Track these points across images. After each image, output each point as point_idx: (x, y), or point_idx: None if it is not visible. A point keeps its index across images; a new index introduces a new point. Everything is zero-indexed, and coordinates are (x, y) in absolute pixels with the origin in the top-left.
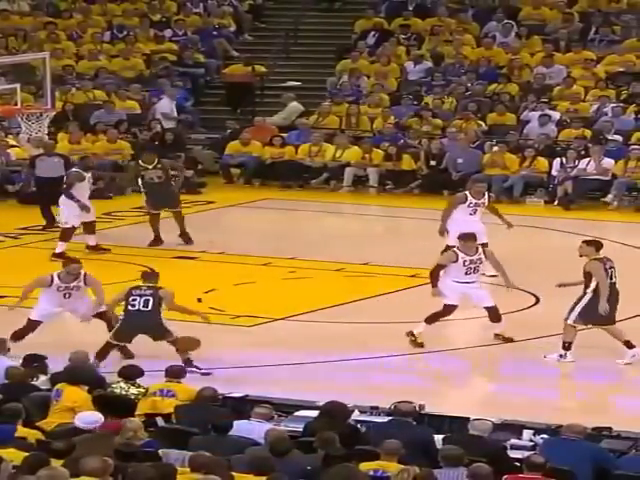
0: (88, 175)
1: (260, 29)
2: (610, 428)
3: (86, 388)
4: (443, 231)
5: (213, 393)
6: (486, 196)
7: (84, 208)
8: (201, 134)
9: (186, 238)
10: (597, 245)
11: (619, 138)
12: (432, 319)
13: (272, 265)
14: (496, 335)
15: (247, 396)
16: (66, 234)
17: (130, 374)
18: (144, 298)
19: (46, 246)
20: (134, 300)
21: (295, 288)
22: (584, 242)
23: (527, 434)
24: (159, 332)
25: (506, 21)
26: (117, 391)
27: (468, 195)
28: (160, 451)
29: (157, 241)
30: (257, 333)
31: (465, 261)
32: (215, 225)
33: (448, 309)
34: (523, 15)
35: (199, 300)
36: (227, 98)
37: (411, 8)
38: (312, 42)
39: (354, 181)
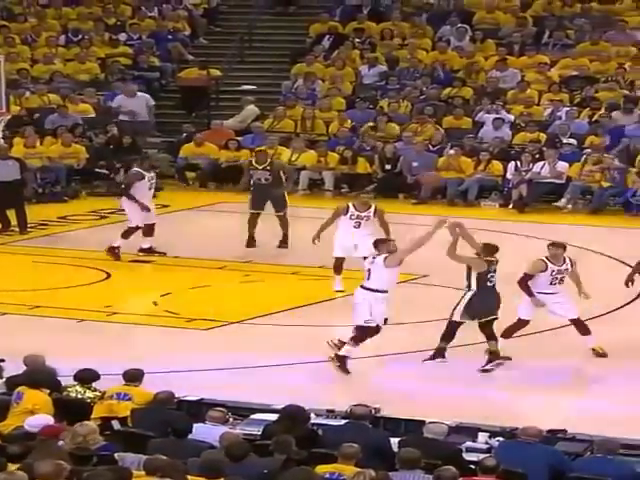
0: (149, 175)
1: (215, 33)
2: (565, 431)
3: (47, 391)
4: (315, 238)
5: (169, 396)
6: (372, 209)
7: (144, 209)
8: (156, 137)
9: (284, 244)
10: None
11: (573, 142)
12: (508, 333)
13: (227, 269)
14: (593, 350)
15: (202, 399)
16: (128, 233)
17: (86, 377)
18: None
19: (1, 250)
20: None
21: (250, 292)
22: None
23: (482, 437)
24: None
25: (460, 25)
26: (73, 394)
27: (350, 206)
28: (116, 455)
29: (251, 242)
30: (212, 336)
31: (553, 271)
32: (170, 229)
33: (523, 323)
34: (477, 19)
35: (155, 303)
36: (182, 102)
37: (365, 12)
38: (267, 46)
39: (310, 184)
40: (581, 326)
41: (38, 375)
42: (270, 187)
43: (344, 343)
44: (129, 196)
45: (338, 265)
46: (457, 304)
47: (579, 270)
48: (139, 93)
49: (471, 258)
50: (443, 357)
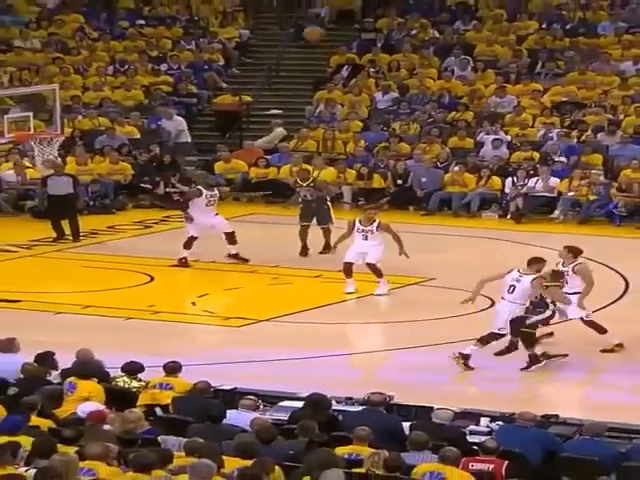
0: (209, 192)
1: (246, 63)
2: (557, 415)
3: (96, 380)
4: (333, 248)
5: (206, 386)
6: (375, 224)
7: (188, 219)
8: (194, 156)
9: (327, 251)
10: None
11: (564, 160)
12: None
13: (257, 272)
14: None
15: (236, 388)
16: (188, 243)
17: (132, 369)
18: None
19: (56, 256)
20: None
21: (278, 293)
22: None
23: (484, 421)
24: None
25: (463, 57)
26: (120, 384)
27: (357, 222)
28: (159, 438)
29: (304, 250)
30: (245, 333)
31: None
32: (207, 237)
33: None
34: (478, 51)
35: (193, 303)
36: (217, 124)
37: (379, 45)
38: (292, 75)
39: (330, 198)
40: (594, 326)
41: (87, 367)
42: (314, 202)
43: (464, 355)
44: (178, 207)
45: (347, 269)
46: (535, 318)
47: None
48: (176, 117)
49: (556, 292)
50: (539, 362)
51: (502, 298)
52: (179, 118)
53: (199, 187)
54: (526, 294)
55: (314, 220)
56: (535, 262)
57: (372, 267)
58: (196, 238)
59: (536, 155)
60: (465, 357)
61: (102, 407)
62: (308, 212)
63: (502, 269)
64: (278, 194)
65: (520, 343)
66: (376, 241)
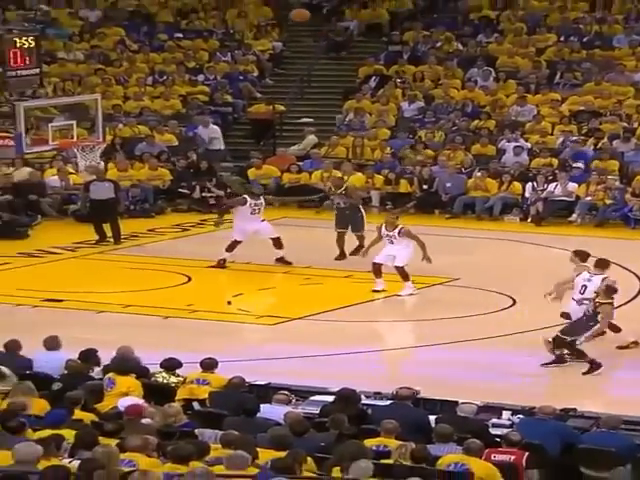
0: (254, 201)
1: (279, 74)
2: (575, 409)
3: (134, 376)
4: (364, 252)
5: (241, 381)
6: (397, 230)
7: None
8: (230, 163)
9: (357, 252)
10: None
11: (581, 165)
12: None
13: (290, 273)
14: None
15: (270, 384)
16: (231, 246)
17: (170, 365)
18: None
19: (98, 257)
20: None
21: (310, 292)
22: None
23: (506, 414)
24: None
25: (485, 68)
26: (159, 380)
27: (382, 228)
28: (196, 430)
29: (341, 256)
30: (278, 330)
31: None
32: (247, 241)
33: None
34: (500, 63)
35: (229, 302)
36: (251, 132)
37: (406, 57)
38: (323, 85)
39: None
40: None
41: (125, 363)
42: (347, 210)
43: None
44: (218, 210)
45: (375, 269)
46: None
47: None
48: (212, 125)
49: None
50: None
51: (573, 299)
52: (214, 126)
53: (245, 196)
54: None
55: (349, 227)
56: (602, 263)
57: (399, 270)
58: (239, 242)
59: (555, 161)
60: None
61: (140, 401)
62: (342, 219)
63: (523, 269)
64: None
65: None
66: (402, 244)
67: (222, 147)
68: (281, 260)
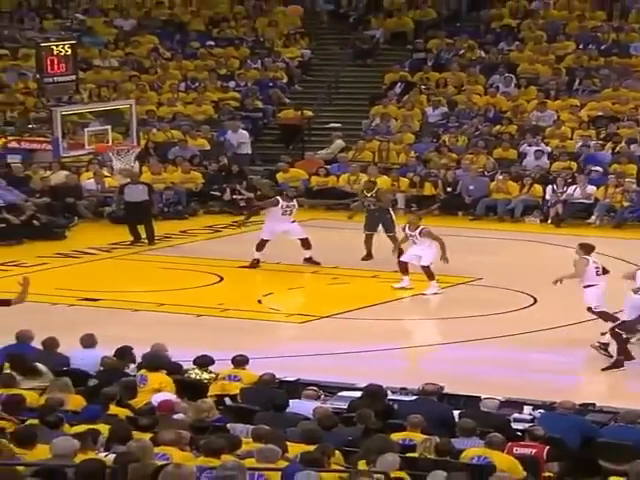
0: (285, 203)
1: (307, 81)
2: (594, 404)
3: (165, 372)
4: (394, 251)
5: (272, 377)
6: (418, 230)
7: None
8: (260, 166)
9: (397, 253)
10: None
11: (599, 169)
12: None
13: (319, 273)
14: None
15: (299, 380)
16: (260, 245)
17: (203, 362)
18: None
19: (133, 258)
20: None
21: (337, 292)
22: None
23: (527, 409)
24: None
25: (507, 74)
26: (192, 376)
27: (406, 229)
28: (228, 425)
29: (368, 256)
30: (306, 328)
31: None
32: (272, 240)
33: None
34: (521, 70)
35: (259, 301)
36: (281, 137)
37: (430, 64)
38: (350, 91)
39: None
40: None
41: (155, 360)
42: (376, 212)
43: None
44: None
45: (401, 267)
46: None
47: None
48: (241, 130)
49: None
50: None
51: (634, 292)
52: (243, 131)
53: (277, 197)
54: None
55: (379, 228)
56: None
57: (425, 269)
58: (267, 241)
59: (574, 165)
60: (605, 345)
61: (172, 397)
62: (372, 221)
63: (543, 269)
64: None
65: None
66: (425, 244)
67: (249, 151)
68: (309, 260)
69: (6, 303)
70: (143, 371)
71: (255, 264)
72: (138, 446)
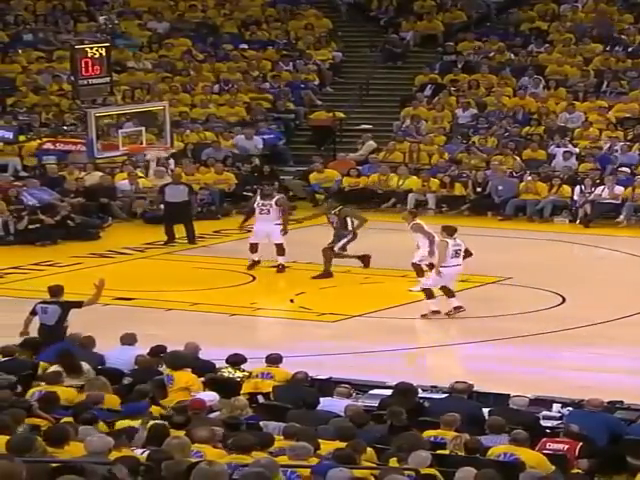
0: (261, 201)
1: (339, 82)
2: (622, 402)
3: (189, 370)
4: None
5: (304, 375)
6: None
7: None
8: (292, 167)
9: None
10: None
11: (627, 170)
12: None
13: (351, 273)
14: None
15: (331, 378)
16: (251, 248)
17: (236, 361)
18: None
19: (167, 258)
20: None
21: (369, 291)
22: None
23: (556, 407)
24: None
25: (536, 76)
26: (225, 374)
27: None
28: (261, 423)
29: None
30: (338, 327)
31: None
32: (304, 240)
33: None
34: (549, 72)
35: (292, 301)
36: (313, 138)
37: (460, 66)
38: (381, 93)
39: (416, 205)
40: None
41: (177, 359)
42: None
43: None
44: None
45: (415, 269)
46: None
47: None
48: (255, 137)
49: None
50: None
51: None
52: (257, 138)
53: (256, 197)
54: None
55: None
56: None
57: (414, 266)
58: (254, 244)
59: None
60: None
61: (212, 396)
62: None
63: (572, 268)
64: (369, 201)
65: None
66: (420, 241)
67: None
68: (280, 268)
69: (78, 305)
70: (168, 371)
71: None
72: (177, 443)
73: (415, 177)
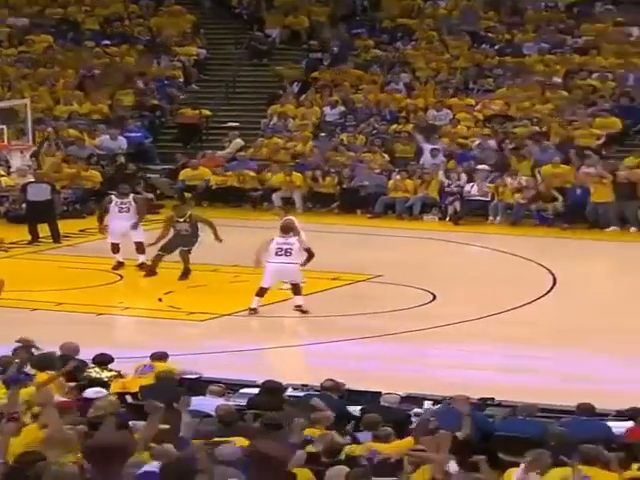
0: (119, 200)
1: (204, 80)
2: (493, 398)
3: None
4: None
5: (171, 374)
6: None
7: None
8: (158, 165)
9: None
10: None
11: (487, 167)
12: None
13: (219, 271)
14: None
15: (200, 377)
16: (112, 248)
17: (102, 361)
18: None
19: (32, 257)
20: None
21: (239, 290)
22: None
23: (427, 404)
24: None
25: (403, 73)
26: (92, 375)
27: None
28: (130, 423)
29: (152, 273)
30: (207, 326)
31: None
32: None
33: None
34: (417, 69)
35: (160, 300)
36: (179, 136)
37: (326, 63)
38: (247, 90)
39: (284, 203)
40: (297, 289)
41: (41, 360)
42: (187, 237)
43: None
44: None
45: None
46: None
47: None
48: (120, 137)
49: None
50: None
51: None
52: (122, 139)
53: (111, 195)
54: None
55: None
56: None
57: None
58: (115, 244)
59: (471, 163)
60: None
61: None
62: (174, 244)
63: (443, 266)
64: (236, 199)
65: None
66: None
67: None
68: (142, 266)
69: None
70: (34, 370)
71: (117, 267)
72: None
73: (282, 174)
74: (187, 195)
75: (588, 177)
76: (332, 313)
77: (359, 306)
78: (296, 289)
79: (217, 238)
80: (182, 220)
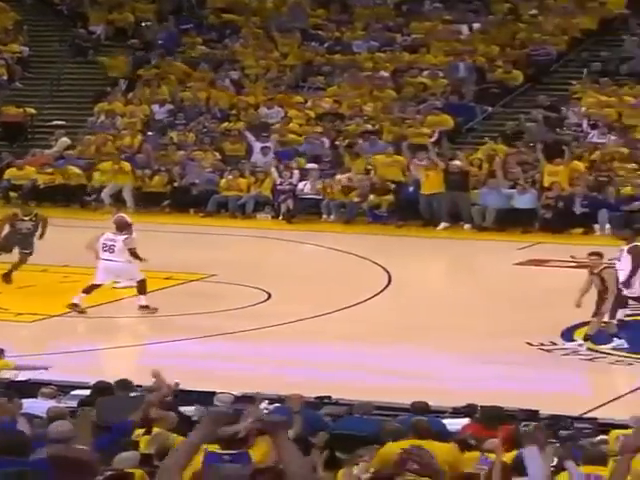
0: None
1: (28, 78)
2: (330, 397)
3: None
4: None
5: None
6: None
7: None
8: None
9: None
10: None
11: (315, 166)
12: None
13: (49, 272)
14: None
15: (29, 380)
16: None
17: None
18: None
19: None
20: None
21: (69, 290)
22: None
23: (263, 404)
24: None
25: (233, 71)
26: None
27: None
28: None
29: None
30: (37, 328)
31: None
32: None
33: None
34: (247, 66)
35: None
36: (4, 134)
37: (154, 61)
38: (73, 88)
39: (114, 200)
40: (142, 286)
41: None
42: (29, 236)
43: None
44: None
45: None
46: None
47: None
48: None
49: None
50: None
51: None
52: None
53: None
54: None
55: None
56: None
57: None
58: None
59: (302, 162)
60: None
61: None
62: (11, 243)
63: (276, 264)
64: (65, 198)
65: None
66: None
67: None
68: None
69: None
70: None
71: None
72: None
73: (110, 162)
74: (12, 195)
75: (420, 167)
76: (167, 313)
77: (194, 305)
78: (140, 288)
79: (41, 236)
80: (27, 219)
